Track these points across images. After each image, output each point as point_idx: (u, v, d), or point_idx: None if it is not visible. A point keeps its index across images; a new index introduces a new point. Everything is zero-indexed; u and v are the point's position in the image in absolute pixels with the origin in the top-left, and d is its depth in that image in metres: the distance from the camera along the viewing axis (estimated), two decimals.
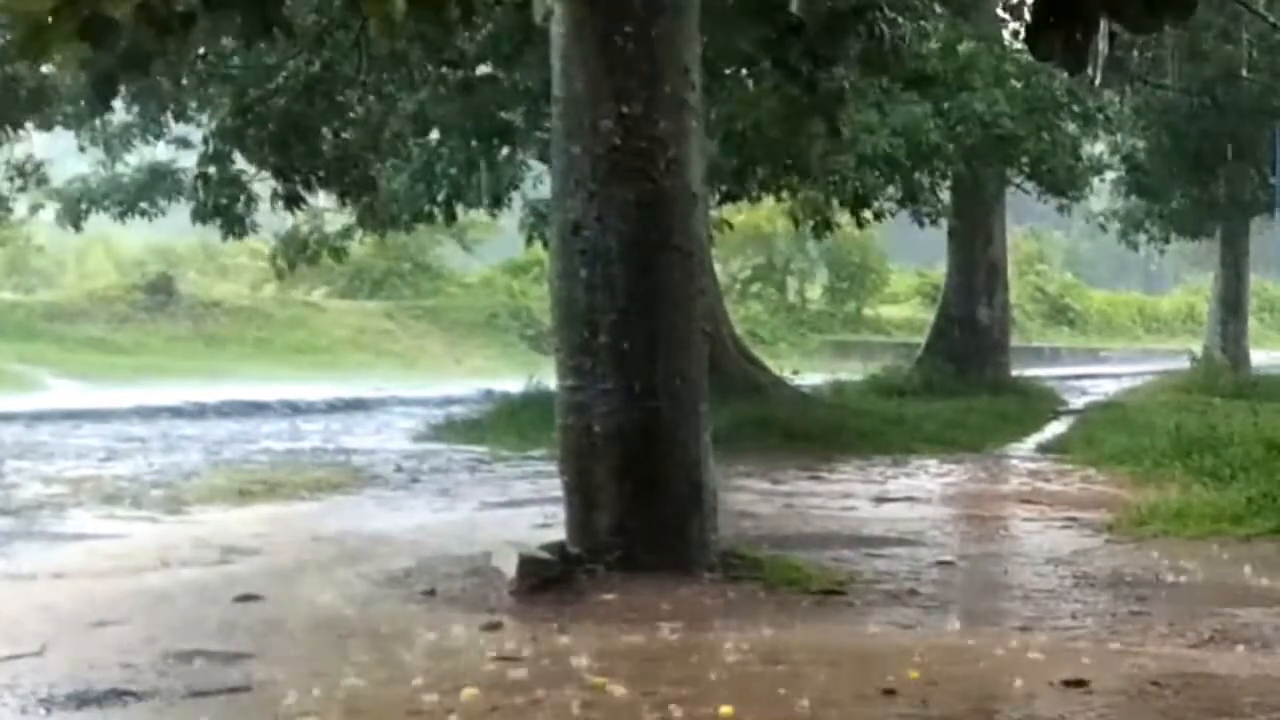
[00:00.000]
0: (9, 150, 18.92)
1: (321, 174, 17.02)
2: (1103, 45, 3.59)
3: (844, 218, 19.27)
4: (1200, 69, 24.63)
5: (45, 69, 14.14)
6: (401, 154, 17.27)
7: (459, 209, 18.29)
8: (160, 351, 34.20)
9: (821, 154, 14.76)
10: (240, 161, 17.47)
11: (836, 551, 8.40)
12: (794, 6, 11.31)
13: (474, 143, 16.72)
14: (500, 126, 16.44)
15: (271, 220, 19.27)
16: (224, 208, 17.58)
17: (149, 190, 19.31)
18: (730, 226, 20.11)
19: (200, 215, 17.79)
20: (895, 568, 7.87)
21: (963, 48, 17.17)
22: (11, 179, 19.89)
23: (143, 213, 19.54)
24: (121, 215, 19.58)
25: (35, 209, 21.82)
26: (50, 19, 4.71)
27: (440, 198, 17.55)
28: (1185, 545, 8.57)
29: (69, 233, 21.65)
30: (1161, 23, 3.63)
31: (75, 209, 19.58)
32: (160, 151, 20.71)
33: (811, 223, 18.90)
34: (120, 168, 19.75)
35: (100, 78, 6.21)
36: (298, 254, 20.69)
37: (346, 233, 20.66)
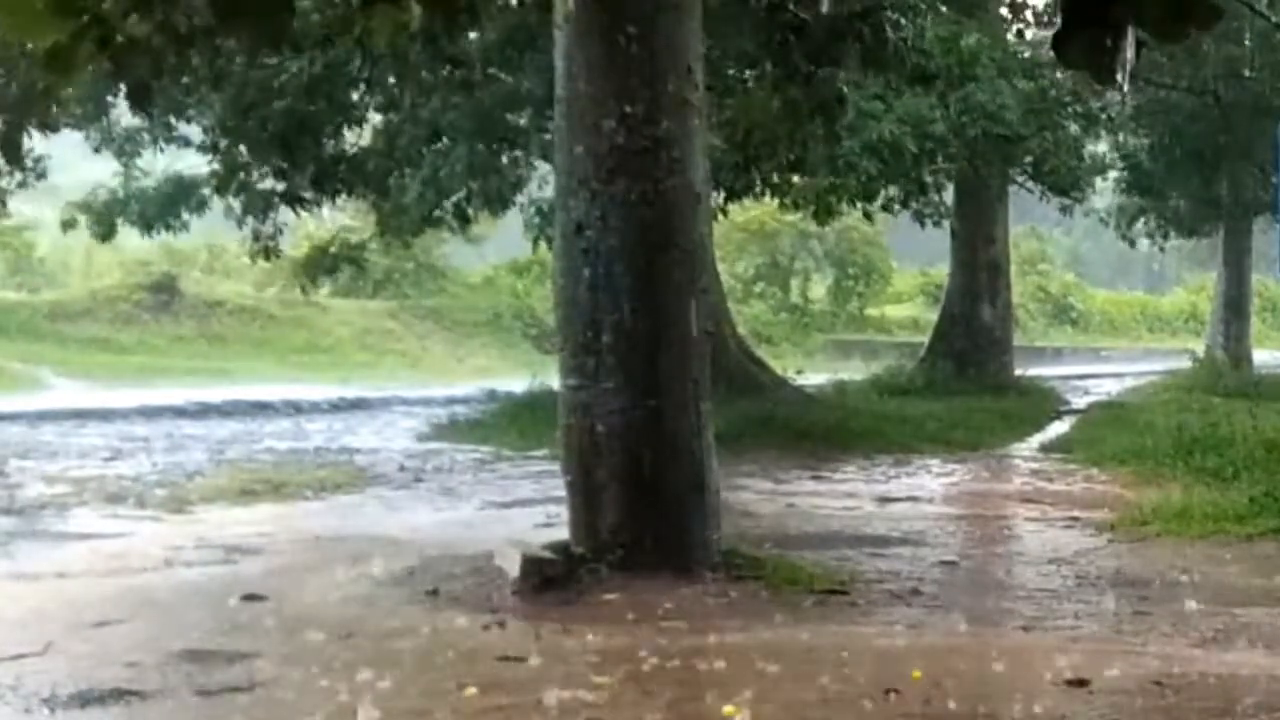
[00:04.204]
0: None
1: (323, 173, 17.03)
2: (1130, 54, 3.57)
3: (846, 206, 19.17)
4: (1202, 68, 24.62)
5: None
6: (414, 161, 17.29)
7: (470, 212, 18.34)
8: (164, 351, 34.21)
9: (822, 153, 14.74)
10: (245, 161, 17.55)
11: (839, 551, 8.40)
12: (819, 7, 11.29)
13: (480, 147, 16.72)
14: (507, 131, 16.44)
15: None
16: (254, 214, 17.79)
17: (176, 202, 19.35)
18: (725, 214, 19.93)
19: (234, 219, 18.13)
20: (898, 567, 7.87)
21: (965, 42, 17.15)
22: (10, 171, 19.71)
23: (167, 226, 19.54)
24: (148, 229, 19.58)
25: (67, 226, 21.55)
26: (71, 40, 4.76)
27: (452, 201, 17.59)
28: (1187, 545, 8.57)
29: (69, 234, 21.50)
30: (1187, 31, 3.63)
31: (108, 222, 19.57)
32: (162, 153, 20.68)
33: (813, 209, 18.77)
34: (139, 175, 19.74)
35: (135, 87, 6.29)
36: (320, 270, 20.71)
37: (360, 245, 20.64)
